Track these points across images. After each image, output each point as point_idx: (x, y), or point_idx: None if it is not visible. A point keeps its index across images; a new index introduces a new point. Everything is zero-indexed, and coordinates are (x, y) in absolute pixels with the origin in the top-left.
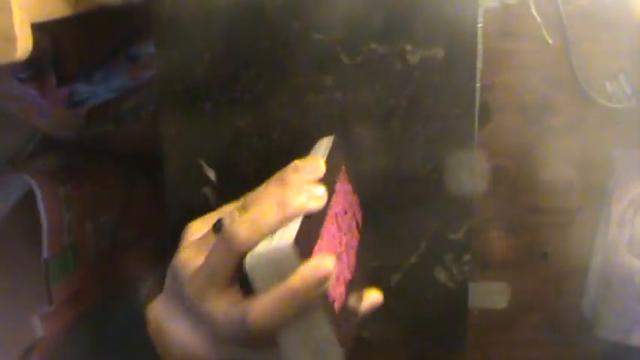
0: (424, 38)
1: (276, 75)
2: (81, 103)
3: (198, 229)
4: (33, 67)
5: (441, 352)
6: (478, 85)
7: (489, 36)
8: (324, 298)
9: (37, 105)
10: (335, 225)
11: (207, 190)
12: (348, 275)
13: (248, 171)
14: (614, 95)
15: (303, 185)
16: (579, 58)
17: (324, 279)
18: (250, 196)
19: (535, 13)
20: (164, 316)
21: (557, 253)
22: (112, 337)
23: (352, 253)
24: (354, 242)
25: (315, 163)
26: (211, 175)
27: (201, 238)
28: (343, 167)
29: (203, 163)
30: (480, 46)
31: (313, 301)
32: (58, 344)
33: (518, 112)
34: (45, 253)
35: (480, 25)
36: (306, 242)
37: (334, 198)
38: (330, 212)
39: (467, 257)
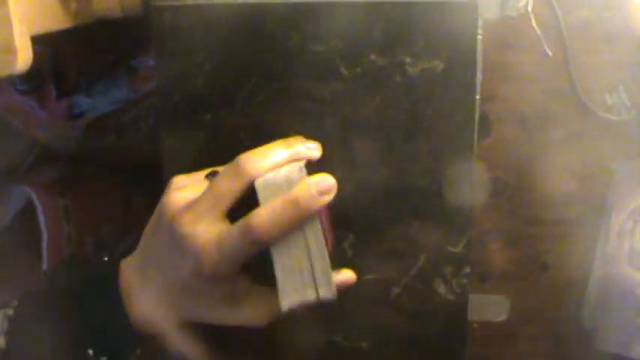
0: (424, 50)
1: (276, 86)
2: (81, 115)
3: (183, 179)
4: (33, 79)
5: None
6: (478, 97)
7: (489, 48)
8: (320, 217)
9: (36, 117)
10: None
11: None
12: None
13: None
14: (614, 107)
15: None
16: (579, 70)
17: (327, 191)
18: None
19: (535, 26)
20: (137, 273)
21: (556, 265)
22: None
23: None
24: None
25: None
26: None
27: (190, 184)
28: None
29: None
30: (479, 58)
31: (314, 212)
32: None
33: (517, 124)
34: (45, 265)
35: (479, 37)
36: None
37: None
38: None
39: (466, 270)
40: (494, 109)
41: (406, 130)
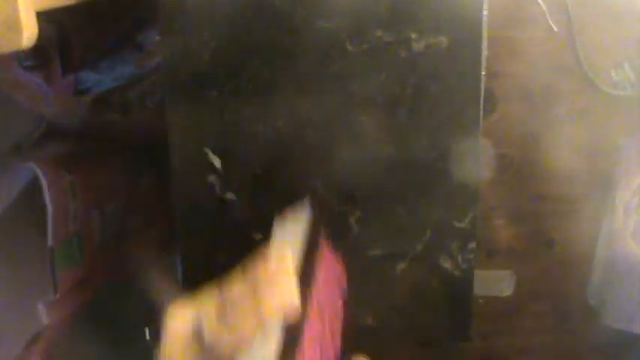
0: (429, 26)
1: (282, 63)
2: (86, 91)
3: (181, 323)
4: (39, 56)
5: (446, 340)
6: (483, 73)
7: (495, 24)
8: None
9: (42, 93)
10: (318, 316)
11: (212, 179)
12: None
13: (253, 159)
14: (619, 83)
15: (278, 291)
16: (584, 46)
17: None
18: (228, 298)
19: (540, 1)
20: None
21: (562, 241)
22: (117, 325)
23: (337, 332)
24: (338, 317)
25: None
26: (216, 163)
27: (183, 339)
28: (323, 241)
29: (208, 151)
30: (485, 34)
31: None
32: (64, 332)
33: (523, 100)
34: (50, 242)
35: (485, 12)
36: (286, 350)
37: (315, 290)
38: (313, 304)
39: (472, 245)
40: (500, 85)
41: (412, 106)
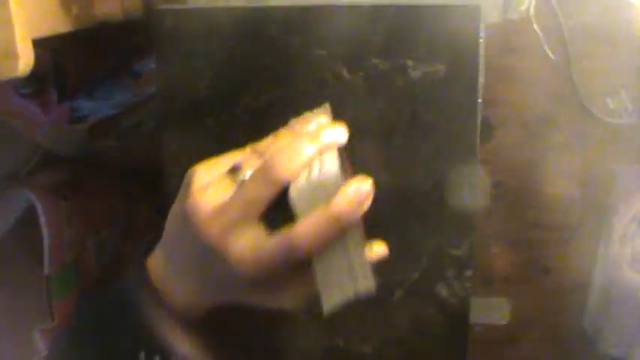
0: (426, 54)
1: (278, 91)
2: (82, 119)
3: (204, 175)
4: (34, 83)
5: None
6: (480, 100)
7: (491, 52)
8: (359, 222)
9: (38, 121)
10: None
11: None
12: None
13: None
14: (616, 111)
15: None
16: (581, 73)
17: (366, 197)
18: (261, 144)
19: (537, 29)
20: (167, 269)
21: (558, 269)
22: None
23: None
24: None
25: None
26: None
27: (214, 183)
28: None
29: None
30: (481, 62)
31: (354, 221)
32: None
33: (519, 128)
34: (46, 269)
35: (481, 40)
36: (344, 173)
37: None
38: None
39: (468, 273)
40: (496, 112)
41: (408, 134)
